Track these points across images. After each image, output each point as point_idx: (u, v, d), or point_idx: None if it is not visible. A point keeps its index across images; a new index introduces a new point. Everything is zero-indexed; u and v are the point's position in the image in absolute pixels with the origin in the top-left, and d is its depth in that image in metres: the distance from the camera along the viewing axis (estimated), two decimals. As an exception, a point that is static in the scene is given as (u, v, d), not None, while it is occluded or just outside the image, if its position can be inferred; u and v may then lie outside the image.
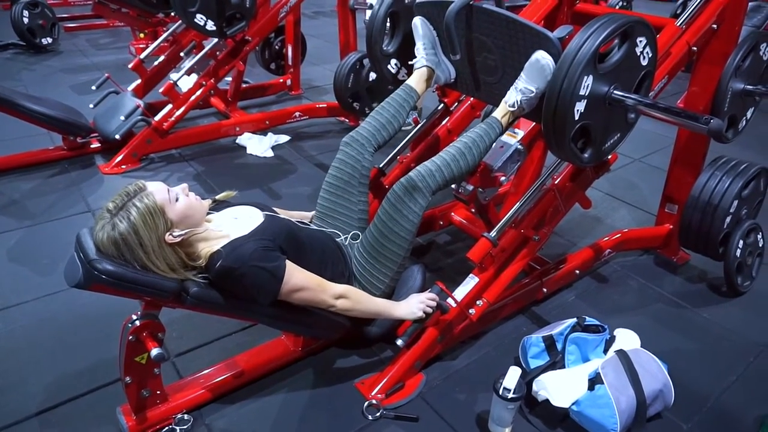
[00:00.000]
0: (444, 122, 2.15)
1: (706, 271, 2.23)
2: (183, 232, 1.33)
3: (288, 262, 1.41)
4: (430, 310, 1.59)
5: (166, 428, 1.49)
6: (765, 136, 3.45)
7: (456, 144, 1.60)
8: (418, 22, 1.78)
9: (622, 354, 1.57)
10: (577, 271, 2.08)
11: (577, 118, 1.40)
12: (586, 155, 1.51)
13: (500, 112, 1.61)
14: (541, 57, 1.48)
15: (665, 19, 1.93)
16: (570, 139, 1.43)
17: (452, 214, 2.37)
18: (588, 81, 1.36)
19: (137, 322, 1.36)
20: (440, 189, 1.58)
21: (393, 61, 2.00)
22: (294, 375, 1.70)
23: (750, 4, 2.62)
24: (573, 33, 1.49)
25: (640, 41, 1.43)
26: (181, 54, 3.26)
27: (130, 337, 1.35)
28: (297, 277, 1.41)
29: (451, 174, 1.56)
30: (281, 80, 4.06)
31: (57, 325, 1.88)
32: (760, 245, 2.16)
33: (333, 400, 1.62)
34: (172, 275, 1.32)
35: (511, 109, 1.57)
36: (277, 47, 4.02)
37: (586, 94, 1.38)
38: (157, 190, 1.32)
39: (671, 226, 2.26)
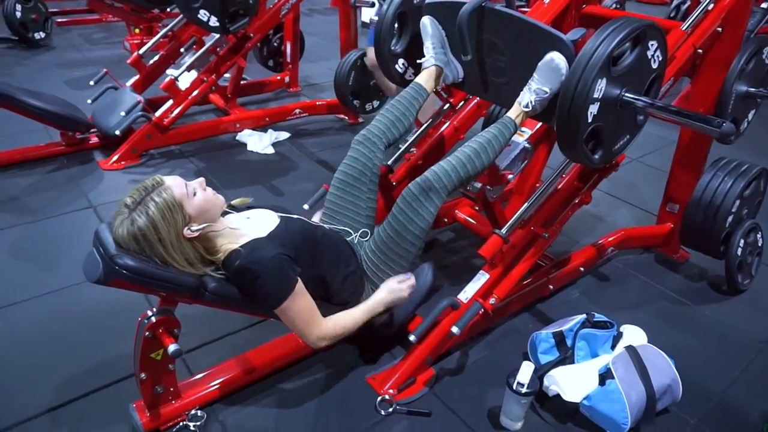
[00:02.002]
0: (450, 121, 2.17)
1: (706, 270, 2.27)
2: (201, 227, 1.33)
3: (299, 285, 1.40)
4: (408, 290, 1.63)
5: (180, 425, 1.49)
6: (760, 138, 3.52)
7: (471, 144, 1.60)
8: (427, 21, 1.79)
9: (631, 349, 1.59)
10: (582, 269, 2.11)
11: (590, 120, 1.42)
12: (596, 156, 1.54)
13: (514, 112, 1.62)
14: (556, 57, 1.49)
15: (670, 22, 1.97)
16: (583, 141, 1.46)
17: (456, 211, 2.38)
18: (602, 84, 1.38)
19: (153, 319, 1.35)
20: (456, 189, 1.59)
21: (401, 61, 2.01)
22: (305, 371, 1.70)
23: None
24: (586, 36, 1.51)
25: (652, 45, 1.45)
26: (181, 50, 3.23)
27: (147, 334, 1.35)
28: (298, 303, 1.40)
29: (467, 173, 1.57)
30: (279, 77, 4.05)
31: (61, 322, 1.86)
32: (760, 244, 2.20)
33: (345, 395, 1.63)
34: (190, 270, 1.32)
35: (525, 109, 1.59)
36: (275, 44, 4.00)
37: (600, 96, 1.40)
38: (175, 184, 1.31)
39: (672, 225, 2.29)
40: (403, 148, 2.16)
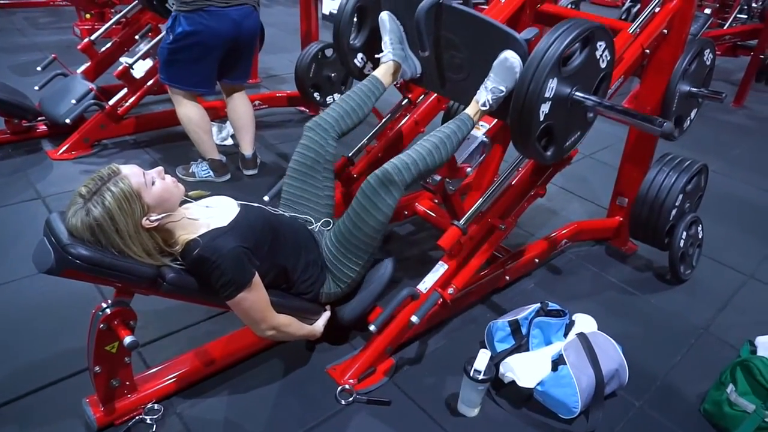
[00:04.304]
0: (410, 115, 2.19)
1: (652, 261, 2.38)
2: (160, 216, 1.31)
3: (256, 278, 1.40)
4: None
5: (136, 419, 1.46)
6: (701, 137, 3.71)
7: (430, 138, 1.62)
8: (385, 16, 1.79)
9: (582, 336, 1.66)
10: (537, 260, 2.17)
11: (542, 118, 1.46)
12: (549, 153, 1.59)
13: (471, 110, 1.65)
14: (510, 56, 1.52)
15: (620, 23, 2.05)
16: (535, 139, 1.50)
17: (416, 204, 2.41)
18: (553, 84, 1.43)
19: (108, 310, 1.32)
20: (413, 182, 1.59)
21: (359, 56, 2.01)
22: (265, 362, 1.70)
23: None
24: (539, 35, 1.56)
25: (600, 45, 1.51)
26: (136, 37, 3.14)
27: (101, 326, 1.31)
28: (252, 296, 1.40)
29: (426, 166, 1.58)
30: (238, 68, 3.97)
31: (10, 316, 1.79)
32: (700, 236, 2.33)
33: (305, 386, 1.64)
34: (148, 260, 1.29)
35: (483, 108, 1.62)
36: (234, 34, 3.92)
37: (551, 96, 1.44)
38: (132, 173, 1.28)
39: (621, 219, 2.40)
40: (364, 140, 2.17)
